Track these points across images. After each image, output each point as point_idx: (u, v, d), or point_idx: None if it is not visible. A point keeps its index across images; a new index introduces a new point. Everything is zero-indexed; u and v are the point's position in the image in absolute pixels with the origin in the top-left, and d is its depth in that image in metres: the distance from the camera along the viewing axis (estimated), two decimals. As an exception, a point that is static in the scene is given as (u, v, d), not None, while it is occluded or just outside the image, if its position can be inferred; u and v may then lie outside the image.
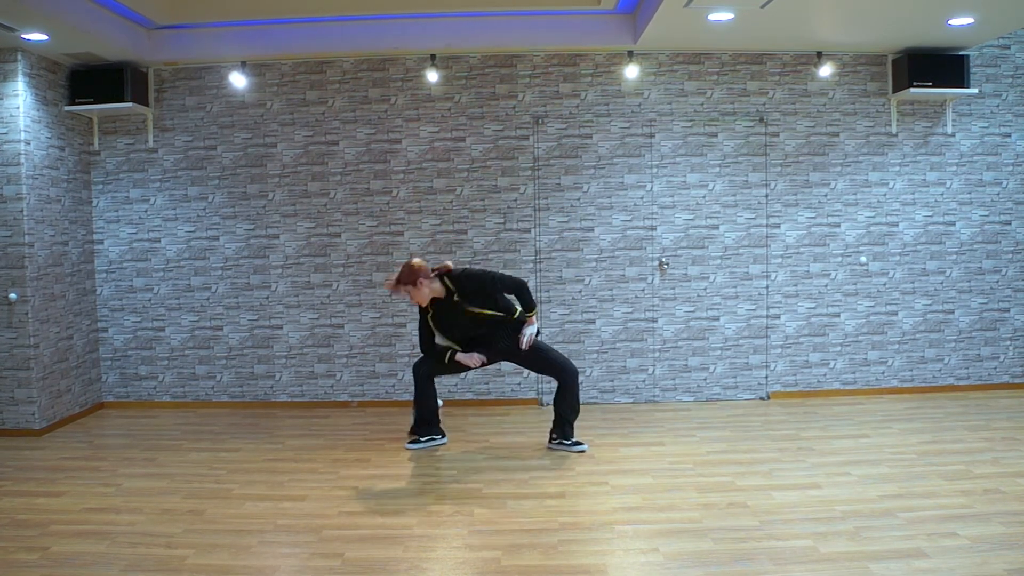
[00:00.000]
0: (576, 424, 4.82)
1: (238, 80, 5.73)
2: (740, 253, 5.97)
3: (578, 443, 4.78)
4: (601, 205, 5.92)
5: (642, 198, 5.93)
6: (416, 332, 5.92)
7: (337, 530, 3.57)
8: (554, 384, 4.83)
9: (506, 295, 4.72)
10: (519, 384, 6.00)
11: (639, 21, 5.40)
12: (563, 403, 4.79)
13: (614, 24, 5.60)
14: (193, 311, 6.03)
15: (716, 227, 5.95)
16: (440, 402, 5.95)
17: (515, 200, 5.93)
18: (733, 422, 5.39)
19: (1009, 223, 6.05)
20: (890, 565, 3.07)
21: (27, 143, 5.20)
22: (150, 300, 6.04)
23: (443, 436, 4.99)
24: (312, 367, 6.04)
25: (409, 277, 4.53)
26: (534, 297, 4.82)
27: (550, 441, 4.85)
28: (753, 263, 5.98)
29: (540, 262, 5.94)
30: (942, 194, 6.02)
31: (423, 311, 4.72)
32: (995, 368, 6.12)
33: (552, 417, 4.85)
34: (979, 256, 6.06)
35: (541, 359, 4.80)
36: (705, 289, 5.98)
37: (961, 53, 5.72)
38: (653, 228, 5.94)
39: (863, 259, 6.01)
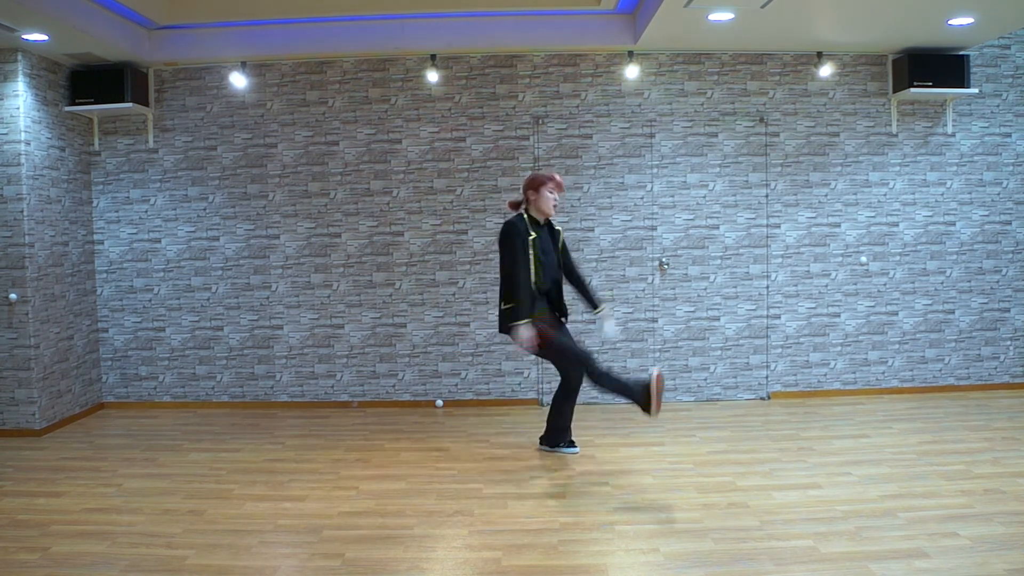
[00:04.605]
0: (572, 425, 4.80)
1: (238, 80, 5.73)
2: (740, 253, 5.97)
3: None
4: (601, 205, 5.92)
5: (642, 198, 5.92)
6: (416, 332, 5.94)
7: (337, 530, 3.57)
8: (553, 385, 4.80)
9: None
10: (519, 384, 5.99)
11: (639, 21, 5.40)
12: (567, 405, 4.61)
13: (614, 24, 5.60)
14: (193, 311, 6.03)
15: (716, 227, 5.95)
16: (440, 402, 5.96)
17: (515, 200, 5.93)
18: (733, 422, 5.39)
19: (1009, 223, 6.05)
20: (890, 565, 3.07)
21: (27, 143, 5.20)
22: (150, 300, 6.04)
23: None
24: (312, 367, 6.04)
25: (533, 182, 4.43)
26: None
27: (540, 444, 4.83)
28: (753, 263, 5.97)
29: (540, 262, 5.93)
30: (942, 194, 6.02)
31: (526, 240, 4.35)
32: (995, 368, 6.12)
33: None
34: (979, 256, 6.06)
35: (573, 349, 4.48)
36: (705, 289, 5.97)
37: (961, 53, 5.72)
38: (653, 228, 5.94)
39: (863, 259, 6.00)
